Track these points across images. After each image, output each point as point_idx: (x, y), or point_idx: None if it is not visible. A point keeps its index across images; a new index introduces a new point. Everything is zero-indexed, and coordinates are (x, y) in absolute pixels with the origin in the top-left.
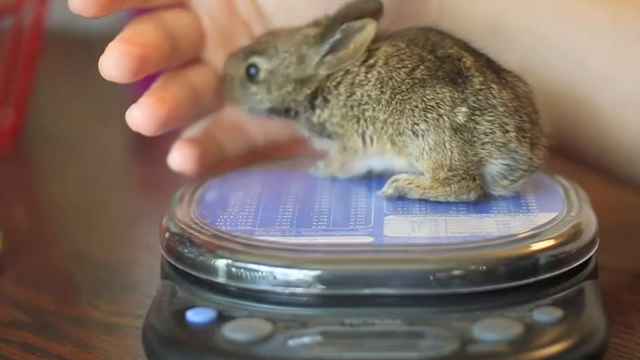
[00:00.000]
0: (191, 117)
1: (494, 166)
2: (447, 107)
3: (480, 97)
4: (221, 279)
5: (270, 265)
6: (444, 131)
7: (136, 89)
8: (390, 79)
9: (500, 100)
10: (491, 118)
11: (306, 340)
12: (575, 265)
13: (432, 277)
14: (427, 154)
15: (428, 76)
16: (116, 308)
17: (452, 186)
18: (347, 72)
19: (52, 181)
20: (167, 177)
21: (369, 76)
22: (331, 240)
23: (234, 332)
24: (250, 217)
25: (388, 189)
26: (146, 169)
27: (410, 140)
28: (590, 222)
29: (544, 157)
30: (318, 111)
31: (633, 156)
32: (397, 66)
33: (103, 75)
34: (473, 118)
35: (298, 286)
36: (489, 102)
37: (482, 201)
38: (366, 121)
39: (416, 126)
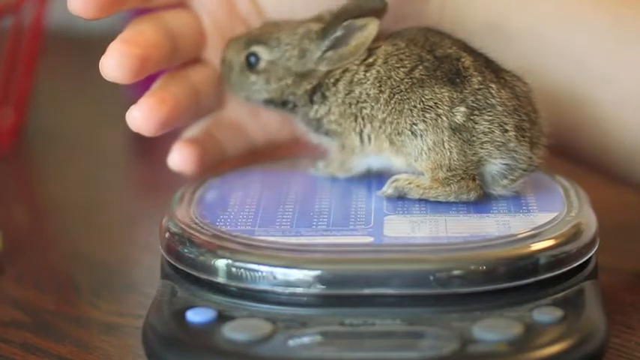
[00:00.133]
0: (191, 117)
1: (494, 165)
2: (446, 107)
3: (479, 97)
4: (221, 279)
5: (270, 265)
6: (442, 131)
7: (136, 89)
8: (389, 78)
9: (499, 100)
10: (490, 117)
11: (306, 340)
12: (575, 265)
13: (432, 277)
14: (426, 154)
15: (426, 76)
16: (116, 308)
17: (452, 186)
18: (346, 70)
19: (52, 181)
20: (167, 177)
21: (367, 74)
22: (331, 240)
23: (234, 332)
24: (250, 217)
25: (388, 189)
26: (146, 169)
27: (408, 140)
28: (590, 222)
29: (544, 157)
30: (315, 106)
31: (633, 156)
32: (396, 65)
33: (103, 75)
34: (472, 117)
35: (298, 286)
36: (488, 101)
37: (482, 201)
38: (363, 119)
39: (414, 126)
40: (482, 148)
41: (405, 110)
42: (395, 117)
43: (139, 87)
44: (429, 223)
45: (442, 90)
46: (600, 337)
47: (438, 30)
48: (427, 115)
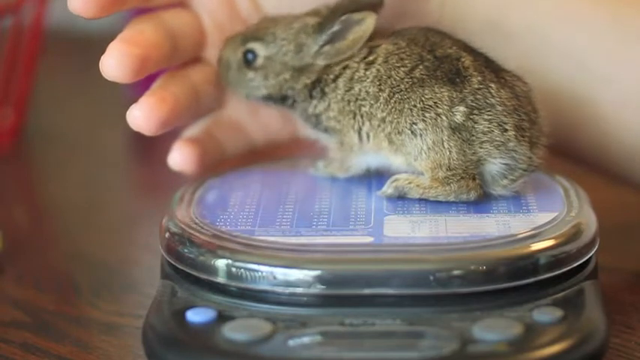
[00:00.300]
0: (191, 116)
1: (494, 165)
2: (445, 107)
3: (479, 97)
4: (221, 279)
5: (270, 265)
6: (442, 130)
7: (136, 89)
8: (389, 77)
9: (498, 100)
10: (490, 117)
11: (306, 340)
12: (575, 265)
13: (432, 277)
14: (425, 153)
15: (426, 75)
16: (116, 308)
17: (451, 185)
18: (346, 67)
19: (52, 181)
20: (167, 177)
21: (367, 72)
22: (331, 240)
23: (234, 332)
24: (250, 217)
25: (388, 189)
26: (146, 169)
27: (408, 139)
28: (590, 222)
29: (543, 157)
30: (314, 102)
31: (633, 156)
32: (396, 65)
33: (104, 75)
34: (471, 117)
35: (298, 286)
36: (488, 101)
37: (482, 201)
38: (362, 117)
39: (414, 125)
40: (481, 148)
41: (405, 110)
42: (395, 116)
43: (139, 87)
44: (429, 223)
45: (442, 89)
46: (600, 337)
47: (439, 30)
48: (427, 115)
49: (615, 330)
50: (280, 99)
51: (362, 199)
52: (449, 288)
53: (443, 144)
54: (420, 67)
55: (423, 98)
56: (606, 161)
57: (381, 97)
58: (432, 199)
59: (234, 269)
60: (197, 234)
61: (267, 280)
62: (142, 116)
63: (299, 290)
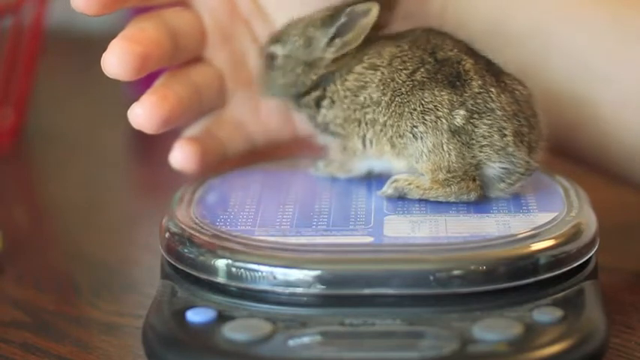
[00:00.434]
0: (193, 115)
1: (492, 169)
2: (445, 110)
3: (479, 101)
4: (221, 279)
5: (270, 265)
6: (441, 133)
7: (136, 88)
8: (392, 80)
9: (498, 104)
10: (490, 121)
11: (306, 340)
12: (575, 265)
13: (432, 277)
14: (426, 156)
15: (427, 78)
16: (116, 308)
17: (452, 187)
18: (351, 71)
19: (52, 181)
20: (167, 177)
21: (372, 77)
22: (331, 240)
23: (234, 332)
24: (250, 217)
25: (388, 189)
26: (146, 169)
27: (410, 142)
28: (590, 222)
29: (542, 160)
30: (323, 111)
31: (633, 156)
32: (399, 68)
33: (105, 72)
34: (471, 121)
35: (298, 286)
36: (488, 105)
37: (482, 201)
38: (366, 124)
39: (415, 128)
40: (480, 152)
41: (406, 113)
42: (395, 120)
43: (140, 86)
44: (429, 223)
45: (442, 93)
46: (600, 337)
47: (440, 31)
48: (427, 118)
49: (615, 330)
50: (297, 97)
51: (362, 199)
52: (449, 288)
53: (442, 147)
54: (421, 70)
55: (423, 101)
56: (606, 161)
57: (383, 102)
58: (432, 199)
59: (234, 269)
60: (197, 234)
61: (267, 280)
62: (143, 114)
63: (299, 290)
